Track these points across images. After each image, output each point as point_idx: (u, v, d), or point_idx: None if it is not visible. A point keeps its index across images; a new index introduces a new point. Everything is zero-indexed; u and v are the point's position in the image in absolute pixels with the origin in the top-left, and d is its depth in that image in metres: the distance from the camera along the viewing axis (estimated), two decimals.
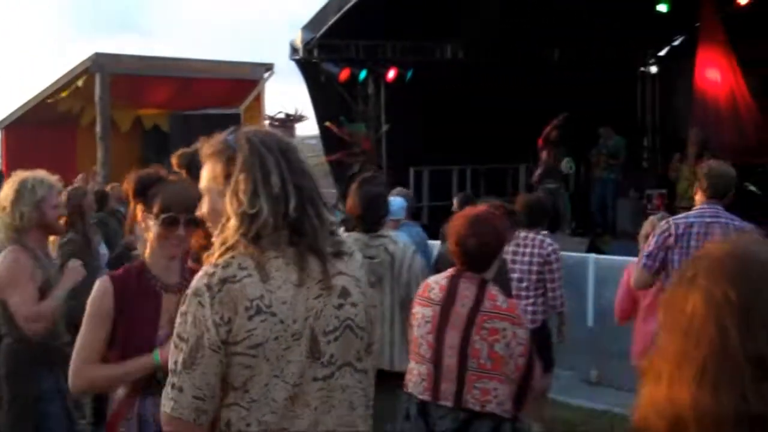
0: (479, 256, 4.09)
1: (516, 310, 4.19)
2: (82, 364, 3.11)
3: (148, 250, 3.22)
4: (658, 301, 5.78)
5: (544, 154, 14.02)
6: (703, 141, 12.71)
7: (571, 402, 7.67)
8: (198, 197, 2.53)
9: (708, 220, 5.38)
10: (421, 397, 4.10)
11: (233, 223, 2.30)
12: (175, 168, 6.08)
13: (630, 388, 7.03)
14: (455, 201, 8.36)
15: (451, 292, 4.09)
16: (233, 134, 2.44)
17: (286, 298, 2.28)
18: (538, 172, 14.14)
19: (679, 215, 5.71)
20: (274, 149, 2.37)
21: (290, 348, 2.28)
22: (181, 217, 3.16)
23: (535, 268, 6.58)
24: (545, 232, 6.98)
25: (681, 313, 1.41)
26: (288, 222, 2.31)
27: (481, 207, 4.63)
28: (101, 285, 3.17)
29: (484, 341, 3.97)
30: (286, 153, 2.38)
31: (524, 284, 6.60)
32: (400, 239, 5.17)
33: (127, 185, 3.33)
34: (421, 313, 4.15)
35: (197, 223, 3.04)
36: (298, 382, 2.30)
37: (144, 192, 3.24)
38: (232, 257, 2.28)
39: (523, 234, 6.63)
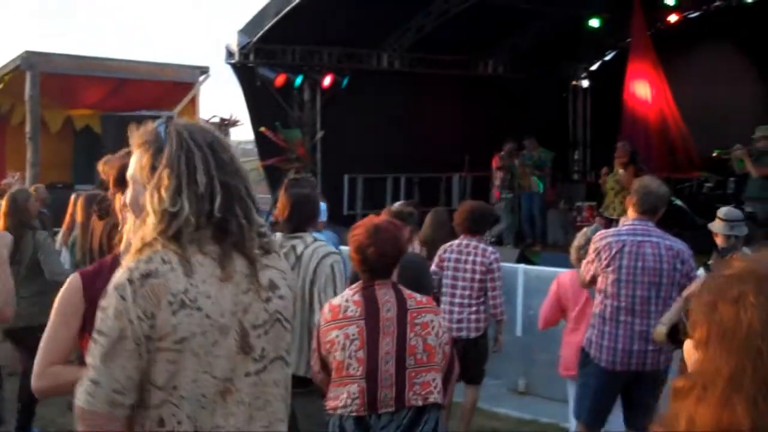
0: (378, 265, 4.19)
1: (433, 301, 4.38)
2: (47, 365, 3.00)
3: (123, 242, 3.14)
4: (585, 313, 5.88)
5: (501, 173, 14.28)
6: (631, 153, 12.90)
7: (498, 411, 7.73)
8: None
9: (639, 239, 5.44)
10: (355, 413, 4.08)
11: (151, 220, 2.25)
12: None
13: (557, 397, 7.16)
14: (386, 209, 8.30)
15: (370, 303, 4.14)
16: (164, 125, 2.37)
17: (211, 293, 2.23)
18: (497, 184, 14.33)
19: (611, 231, 5.77)
20: (203, 145, 2.31)
21: (218, 343, 2.23)
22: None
23: (477, 276, 6.61)
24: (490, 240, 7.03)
25: (734, 332, 1.39)
26: (213, 221, 2.25)
27: (381, 216, 4.74)
28: (69, 282, 3.09)
29: (418, 336, 4.09)
30: (215, 150, 2.32)
31: (467, 292, 6.62)
32: (318, 241, 5.11)
33: (108, 172, 3.24)
34: (342, 334, 4.12)
35: None
36: (229, 376, 2.26)
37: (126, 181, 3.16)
38: (155, 252, 2.22)
39: (465, 242, 6.66)
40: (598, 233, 5.75)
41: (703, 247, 7.10)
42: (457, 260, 6.64)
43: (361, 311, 4.13)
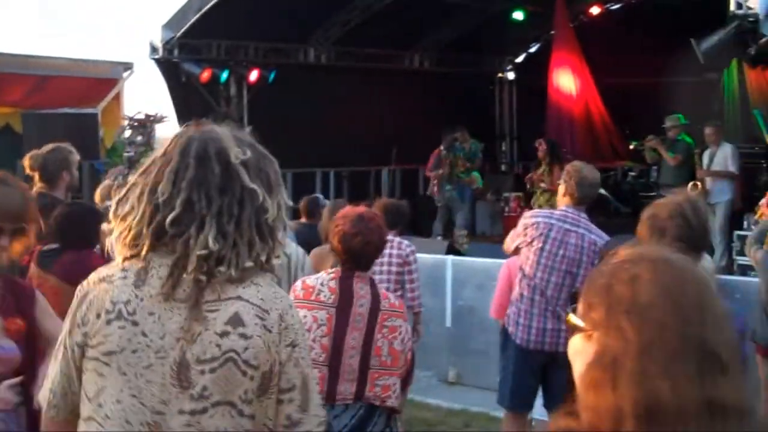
0: (364, 255, 4.15)
1: (403, 306, 4.33)
2: None
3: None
4: None
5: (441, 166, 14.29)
6: (550, 151, 13.10)
7: (429, 402, 7.78)
8: (23, 203, 2.40)
9: (567, 227, 5.54)
10: None
11: (113, 224, 2.20)
12: (27, 171, 5.89)
13: (487, 386, 7.22)
14: (300, 204, 8.22)
15: (345, 294, 4.09)
16: (188, 125, 2.27)
17: (155, 310, 2.08)
18: (436, 180, 14.34)
19: (544, 212, 5.87)
20: (191, 154, 2.16)
21: (152, 367, 2.06)
22: (5, 226, 2.99)
23: (394, 269, 6.63)
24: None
25: (634, 306, 1.44)
26: (169, 235, 2.12)
27: (361, 207, 4.63)
28: None
29: (385, 339, 4.07)
30: (206, 160, 2.15)
31: (385, 285, 6.65)
32: (289, 240, 5.13)
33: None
34: (311, 316, 4.05)
35: (23, 232, 2.96)
36: (160, 410, 2.06)
37: None
38: (129, 258, 2.15)
39: None
40: (531, 211, 5.86)
41: (628, 234, 7.21)
42: None
43: (334, 299, 4.08)
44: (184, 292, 2.09)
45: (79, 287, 2.21)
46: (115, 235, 2.18)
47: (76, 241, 4.76)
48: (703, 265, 6.01)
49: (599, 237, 5.60)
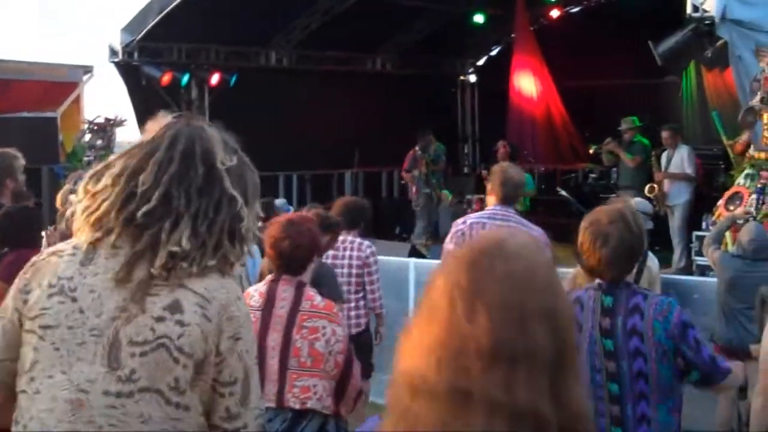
0: (293, 258, 4.25)
1: (334, 308, 4.33)
2: None
3: None
4: None
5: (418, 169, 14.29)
6: (510, 153, 13.35)
7: None
8: None
9: (498, 222, 5.65)
10: None
11: (81, 197, 2.19)
12: None
13: None
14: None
15: (270, 297, 4.22)
16: (180, 117, 2.30)
17: (96, 288, 2.07)
18: (412, 181, 14.34)
19: (475, 215, 5.97)
20: (177, 148, 2.17)
21: (85, 344, 2.04)
22: None
23: (354, 270, 6.64)
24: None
25: (427, 295, 1.52)
26: (135, 223, 2.12)
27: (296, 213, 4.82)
28: None
29: (304, 340, 4.11)
30: (191, 158, 2.16)
31: (346, 288, 6.64)
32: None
33: None
34: None
35: None
36: (85, 388, 2.02)
37: None
38: (83, 234, 2.16)
39: (341, 237, 6.67)
40: (462, 218, 5.96)
41: None
42: (335, 256, 6.62)
43: (261, 302, 4.21)
44: (133, 278, 2.09)
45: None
46: (81, 208, 2.18)
47: (18, 243, 4.83)
48: (649, 266, 6.13)
49: (531, 230, 5.70)
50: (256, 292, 4.28)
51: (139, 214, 2.11)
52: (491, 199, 5.87)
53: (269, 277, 4.34)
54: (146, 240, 2.10)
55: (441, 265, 1.56)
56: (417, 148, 14.19)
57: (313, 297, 4.24)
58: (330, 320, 4.19)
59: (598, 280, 3.63)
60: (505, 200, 5.80)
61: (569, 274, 5.00)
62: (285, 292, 4.22)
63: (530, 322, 1.46)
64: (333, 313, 4.26)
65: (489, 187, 5.92)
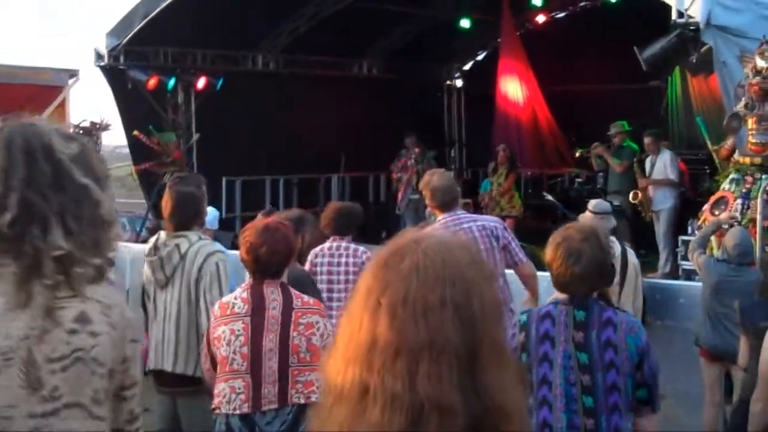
0: (271, 264, 4.29)
1: (320, 304, 4.47)
2: None
3: None
4: None
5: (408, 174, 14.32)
6: (511, 158, 13.47)
7: None
8: None
9: (453, 229, 5.69)
10: (240, 411, 4.17)
11: None
12: None
13: None
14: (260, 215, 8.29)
15: (257, 300, 4.24)
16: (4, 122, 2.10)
17: None
18: (402, 187, 14.36)
19: (428, 230, 6.00)
20: (16, 149, 2.02)
21: None
22: None
23: (352, 276, 6.58)
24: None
25: (350, 299, 1.57)
26: (5, 237, 1.99)
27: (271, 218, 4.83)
28: None
29: (302, 336, 4.19)
30: (37, 159, 2.03)
31: (344, 294, 6.59)
32: (203, 239, 5.10)
33: None
34: (228, 329, 4.23)
35: None
36: (8, 414, 1.94)
37: None
38: None
39: (335, 244, 6.63)
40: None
41: None
42: (330, 263, 6.59)
43: (247, 308, 4.22)
44: (30, 295, 1.98)
45: None
46: None
47: None
48: (630, 259, 6.31)
49: (486, 221, 5.92)
50: (237, 300, 4.29)
51: (5, 225, 1.99)
52: (436, 213, 6.03)
53: (247, 282, 4.37)
54: (29, 251, 1.99)
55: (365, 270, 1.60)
56: (412, 157, 14.24)
57: (300, 295, 4.34)
58: (321, 315, 4.32)
59: (564, 295, 3.73)
60: (444, 208, 5.93)
61: None
62: (273, 294, 4.27)
63: (434, 315, 1.47)
64: (322, 308, 4.40)
65: (427, 200, 6.10)
